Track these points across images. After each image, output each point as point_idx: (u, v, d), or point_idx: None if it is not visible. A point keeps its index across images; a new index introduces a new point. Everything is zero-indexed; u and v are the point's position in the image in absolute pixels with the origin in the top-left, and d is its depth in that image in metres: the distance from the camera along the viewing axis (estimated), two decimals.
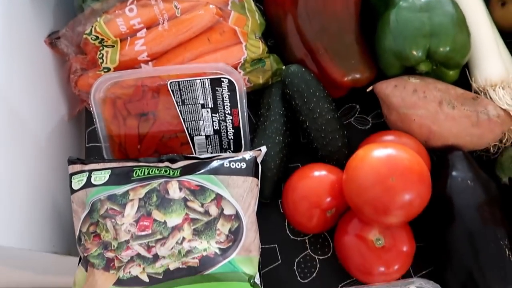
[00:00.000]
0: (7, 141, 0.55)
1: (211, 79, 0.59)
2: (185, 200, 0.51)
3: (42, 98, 0.66)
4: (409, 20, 0.58)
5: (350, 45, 0.62)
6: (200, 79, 0.59)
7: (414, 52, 0.57)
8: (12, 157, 0.55)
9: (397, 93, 0.58)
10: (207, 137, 0.62)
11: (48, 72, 0.69)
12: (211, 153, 0.62)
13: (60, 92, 0.70)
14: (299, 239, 0.59)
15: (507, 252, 0.48)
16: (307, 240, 0.58)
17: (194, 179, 0.52)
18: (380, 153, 0.48)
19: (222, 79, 0.59)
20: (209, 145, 0.62)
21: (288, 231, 0.59)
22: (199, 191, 0.51)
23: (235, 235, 0.49)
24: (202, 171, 0.53)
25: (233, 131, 0.61)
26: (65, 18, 0.72)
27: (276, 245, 0.59)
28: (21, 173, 0.57)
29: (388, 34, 0.59)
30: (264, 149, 0.57)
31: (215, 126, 0.61)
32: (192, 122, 0.61)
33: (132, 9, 0.62)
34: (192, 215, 0.50)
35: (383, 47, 0.60)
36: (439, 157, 0.58)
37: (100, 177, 0.54)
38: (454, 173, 0.53)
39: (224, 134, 0.62)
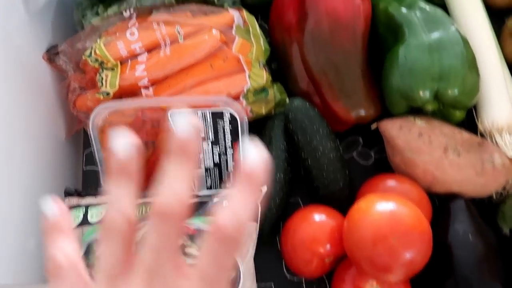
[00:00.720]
0: (2, 159, 0.53)
1: (212, 112, 0.58)
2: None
3: (39, 114, 0.65)
4: (418, 59, 0.56)
5: (356, 80, 0.60)
6: (202, 112, 0.58)
7: (422, 94, 0.56)
8: (8, 178, 0.54)
9: (402, 135, 0.57)
10: (206, 169, 0.61)
11: (46, 87, 0.67)
12: (211, 185, 0.61)
13: (58, 109, 0.69)
14: (295, 279, 0.59)
15: None
16: (303, 281, 0.58)
17: (192, 223, 0.51)
18: (382, 208, 0.48)
19: (224, 112, 0.58)
20: (208, 177, 0.61)
21: (285, 270, 0.59)
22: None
23: (232, 285, 0.49)
24: (200, 213, 0.52)
25: (233, 164, 0.60)
26: (64, 32, 0.70)
27: (272, 283, 0.58)
28: (17, 195, 0.56)
29: (395, 72, 0.58)
30: (264, 189, 0.56)
31: (215, 159, 0.60)
32: None
33: (133, 32, 0.60)
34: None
35: (390, 84, 0.58)
36: (441, 202, 0.58)
37: (97, 213, 0.53)
38: (455, 225, 0.52)
39: (224, 167, 0.61)
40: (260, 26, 0.74)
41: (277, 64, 0.69)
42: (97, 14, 0.68)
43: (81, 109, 0.64)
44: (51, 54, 0.66)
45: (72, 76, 0.65)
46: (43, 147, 0.65)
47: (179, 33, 0.60)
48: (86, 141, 0.68)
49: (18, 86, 0.59)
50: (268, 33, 0.68)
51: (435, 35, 0.57)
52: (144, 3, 0.66)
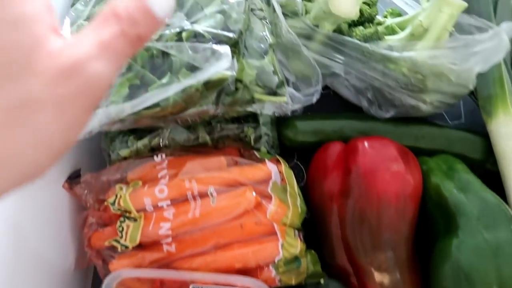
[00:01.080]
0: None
1: None
2: None
3: (50, 241, 0.60)
4: (473, 264, 0.50)
5: (400, 269, 0.54)
6: None
7: None
8: None
9: None
10: None
11: (61, 211, 0.63)
12: None
13: (71, 239, 0.64)
14: None
15: None
16: None
17: None
18: None
19: None
20: None
21: None
22: None
23: None
24: None
25: None
26: (89, 156, 0.66)
27: None
28: None
29: (447, 272, 0.52)
30: None
31: None
32: None
33: (162, 190, 0.56)
34: None
35: (440, 284, 0.52)
36: None
37: None
38: None
39: None
40: (296, 166, 0.70)
41: (310, 214, 0.63)
42: (126, 144, 0.64)
43: (95, 247, 0.59)
44: (73, 182, 0.62)
45: (91, 211, 0.60)
46: (49, 278, 0.59)
47: (211, 195, 0.55)
48: (95, 281, 0.62)
49: (35, 211, 0.55)
50: (304, 178, 0.64)
51: (494, 235, 0.51)
52: (177, 139, 0.62)
